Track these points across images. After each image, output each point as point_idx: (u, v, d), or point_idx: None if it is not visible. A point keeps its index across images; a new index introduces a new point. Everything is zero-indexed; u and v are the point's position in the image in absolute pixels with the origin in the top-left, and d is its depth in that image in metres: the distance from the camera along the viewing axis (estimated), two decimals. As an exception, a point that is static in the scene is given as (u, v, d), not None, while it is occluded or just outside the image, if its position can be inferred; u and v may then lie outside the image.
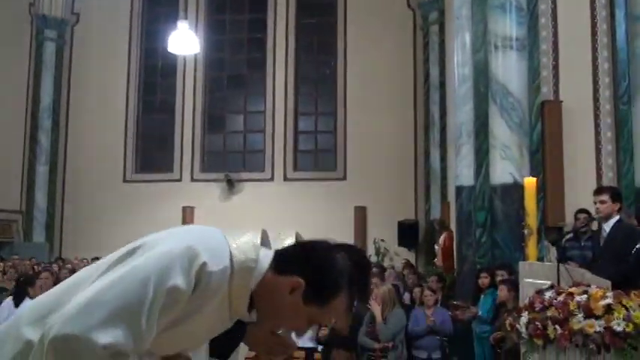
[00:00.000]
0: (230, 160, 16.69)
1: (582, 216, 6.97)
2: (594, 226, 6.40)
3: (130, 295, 1.36)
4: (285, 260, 1.57)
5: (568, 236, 6.97)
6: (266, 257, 1.55)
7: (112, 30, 16.85)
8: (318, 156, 16.64)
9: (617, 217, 5.42)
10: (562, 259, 5.37)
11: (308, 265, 1.55)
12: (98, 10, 16.83)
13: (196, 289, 1.42)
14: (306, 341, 7.21)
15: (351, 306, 1.64)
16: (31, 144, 16.27)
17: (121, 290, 1.37)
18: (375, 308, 6.72)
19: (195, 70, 16.77)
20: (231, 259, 1.50)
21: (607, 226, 5.44)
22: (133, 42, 17.21)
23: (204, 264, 1.42)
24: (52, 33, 16.66)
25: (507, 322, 4.76)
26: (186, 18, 14.93)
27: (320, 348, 7.09)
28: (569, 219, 7.67)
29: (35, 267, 11.65)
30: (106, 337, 1.32)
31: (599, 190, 5.68)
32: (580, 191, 7.53)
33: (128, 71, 17.04)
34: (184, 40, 13.76)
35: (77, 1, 17.19)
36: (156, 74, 17.39)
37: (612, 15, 8.42)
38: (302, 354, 7.09)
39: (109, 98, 16.64)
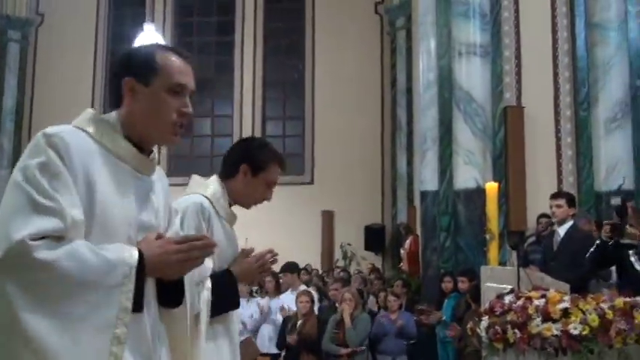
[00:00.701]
0: (197, 165, 16.45)
1: (544, 220, 7.08)
2: (556, 229, 6.52)
3: (15, 197, 1.44)
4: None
5: (530, 240, 7.07)
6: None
7: (78, 31, 16.55)
8: (286, 160, 16.55)
9: (571, 222, 5.62)
10: (524, 263, 5.45)
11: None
12: (63, 11, 16.50)
13: (60, 153, 1.49)
14: (271, 347, 7.17)
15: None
16: (-8, 147, 15.92)
17: (6, 201, 1.45)
18: (345, 312, 6.59)
19: (162, 73, 16.56)
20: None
21: (561, 230, 5.61)
22: (99, 44, 16.96)
23: (44, 133, 1.52)
24: (15, 34, 16.27)
25: (468, 326, 4.80)
26: (153, 20, 14.81)
27: (283, 354, 7.02)
28: (532, 223, 7.79)
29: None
30: (24, 231, 1.37)
31: (556, 195, 5.86)
32: (542, 196, 7.61)
33: (94, 74, 16.78)
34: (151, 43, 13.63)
35: (42, 1, 16.89)
36: (122, 77, 17.14)
37: (572, 23, 8.59)
38: (266, 359, 7.04)
39: (74, 101, 16.27)
